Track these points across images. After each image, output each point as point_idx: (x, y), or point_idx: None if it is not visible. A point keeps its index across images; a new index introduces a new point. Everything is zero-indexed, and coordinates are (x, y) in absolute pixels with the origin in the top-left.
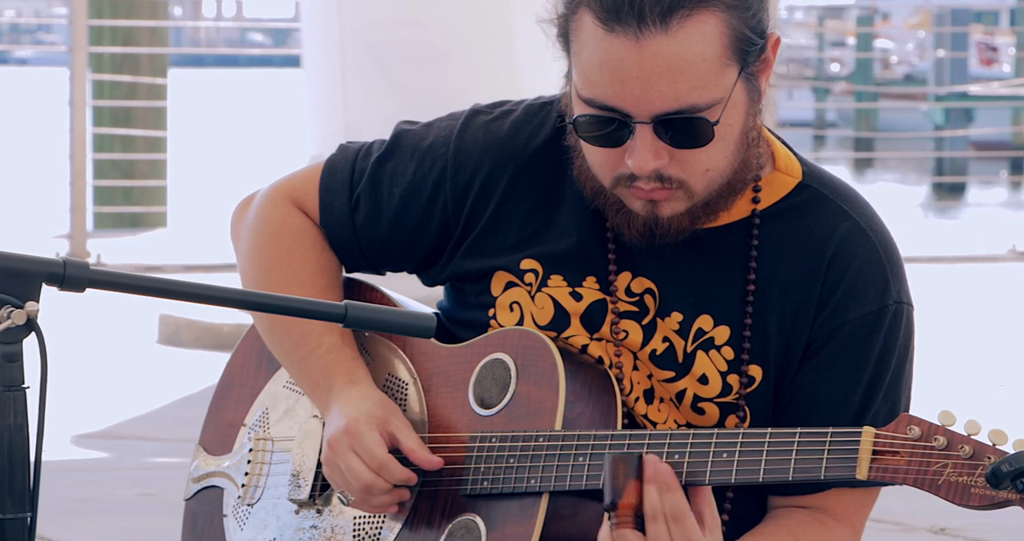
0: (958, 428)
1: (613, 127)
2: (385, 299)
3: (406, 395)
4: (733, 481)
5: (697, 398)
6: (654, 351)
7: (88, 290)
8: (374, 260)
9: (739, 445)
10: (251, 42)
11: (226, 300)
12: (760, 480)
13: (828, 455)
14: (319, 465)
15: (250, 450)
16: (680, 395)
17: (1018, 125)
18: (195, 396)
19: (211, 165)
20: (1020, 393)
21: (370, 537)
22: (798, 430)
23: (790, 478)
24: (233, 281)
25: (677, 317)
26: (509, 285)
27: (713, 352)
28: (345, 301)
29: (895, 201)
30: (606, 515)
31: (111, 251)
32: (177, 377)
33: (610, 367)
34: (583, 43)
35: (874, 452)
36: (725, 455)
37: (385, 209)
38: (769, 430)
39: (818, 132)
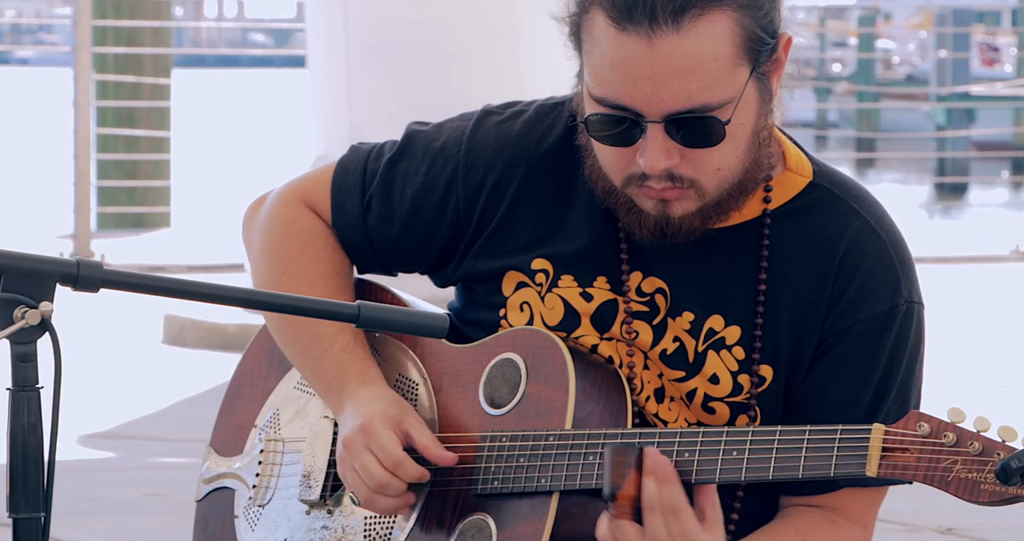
0: (967, 425)
1: (624, 126)
2: (396, 300)
3: (417, 395)
4: (743, 479)
5: (708, 398)
6: (664, 351)
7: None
8: (386, 261)
9: (749, 443)
10: (253, 42)
11: (240, 300)
12: (770, 478)
13: (838, 453)
14: (330, 465)
15: (261, 451)
16: (691, 395)
17: (1020, 125)
18: (201, 396)
19: (214, 165)
20: None
21: (381, 537)
22: (807, 428)
23: (800, 476)
24: (237, 281)
25: (688, 317)
26: (520, 285)
27: (724, 352)
28: (358, 301)
29: (897, 201)
30: (605, 506)
31: (115, 251)
32: (183, 377)
33: (620, 367)
34: (595, 42)
35: (884, 449)
36: (735, 453)
37: (397, 210)
38: (779, 428)
39: (820, 132)
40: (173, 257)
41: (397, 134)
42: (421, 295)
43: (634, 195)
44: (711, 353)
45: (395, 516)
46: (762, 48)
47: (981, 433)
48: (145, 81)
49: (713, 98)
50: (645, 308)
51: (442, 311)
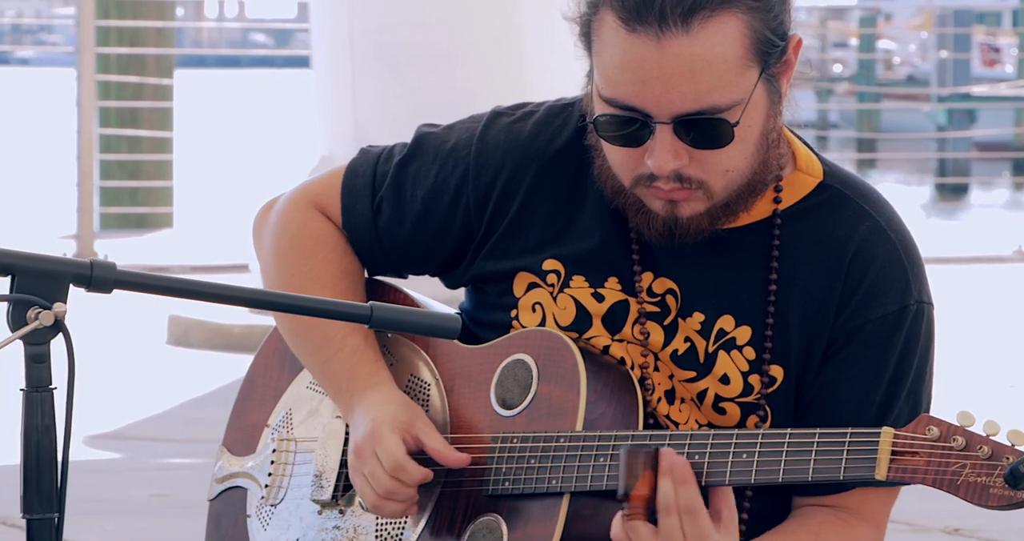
0: (977, 429)
1: (633, 127)
2: (408, 300)
3: (428, 396)
4: (753, 481)
5: (718, 398)
6: (676, 351)
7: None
8: (396, 263)
9: (759, 445)
10: (253, 43)
11: (252, 301)
12: (780, 480)
13: (847, 456)
14: (342, 465)
15: (273, 451)
16: (701, 395)
17: (1021, 126)
18: (206, 397)
19: (217, 166)
20: None
21: (392, 537)
22: (817, 430)
23: (809, 478)
24: (240, 282)
25: (699, 317)
26: (531, 286)
27: (735, 352)
28: (370, 302)
29: (897, 202)
30: (620, 506)
31: (117, 252)
32: (188, 378)
33: (632, 368)
34: (604, 43)
35: (893, 453)
36: (745, 455)
37: (408, 212)
38: (789, 430)
39: (820, 133)
40: (175, 258)
41: (402, 135)
42: (433, 296)
43: (643, 195)
44: (721, 353)
45: (407, 516)
46: (772, 50)
47: (990, 437)
48: (148, 81)
49: (722, 100)
50: (656, 308)
51: (454, 311)
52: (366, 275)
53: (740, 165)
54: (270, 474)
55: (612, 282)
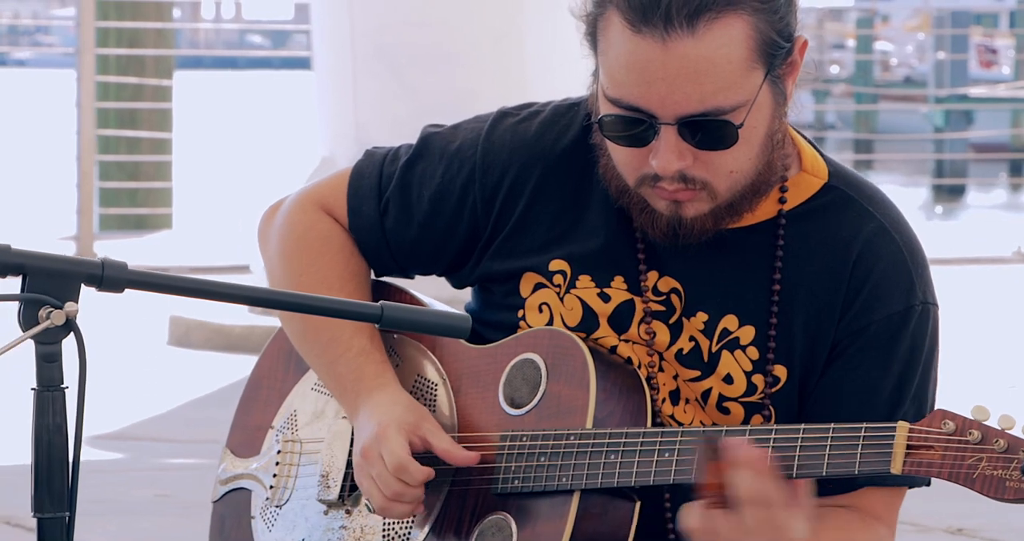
0: (992, 422)
1: (638, 127)
2: (415, 301)
3: (435, 396)
4: None
5: (722, 398)
6: (680, 350)
7: (101, 291)
8: (403, 263)
9: (772, 441)
10: (250, 44)
11: (263, 301)
12: (794, 475)
13: (862, 450)
14: (348, 466)
15: (279, 452)
16: (705, 395)
17: (1018, 127)
18: (208, 397)
19: (216, 167)
20: None
21: (400, 537)
22: (831, 426)
23: (824, 473)
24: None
25: (702, 317)
26: (538, 286)
27: (738, 352)
28: (381, 301)
29: (895, 203)
30: (699, 494)
31: (116, 253)
32: (189, 378)
33: (638, 367)
34: (610, 43)
35: (908, 447)
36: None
37: (415, 213)
38: (803, 426)
39: (817, 134)
40: (174, 259)
41: (403, 136)
42: (437, 297)
43: (647, 195)
44: (725, 353)
45: (414, 516)
46: (777, 51)
47: (1006, 431)
48: (147, 82)
49: (726, 101)
50: (662, 308)
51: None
52: (372, 276)
53: (744, 166)
54: (275, 475)
55: (618, 281)
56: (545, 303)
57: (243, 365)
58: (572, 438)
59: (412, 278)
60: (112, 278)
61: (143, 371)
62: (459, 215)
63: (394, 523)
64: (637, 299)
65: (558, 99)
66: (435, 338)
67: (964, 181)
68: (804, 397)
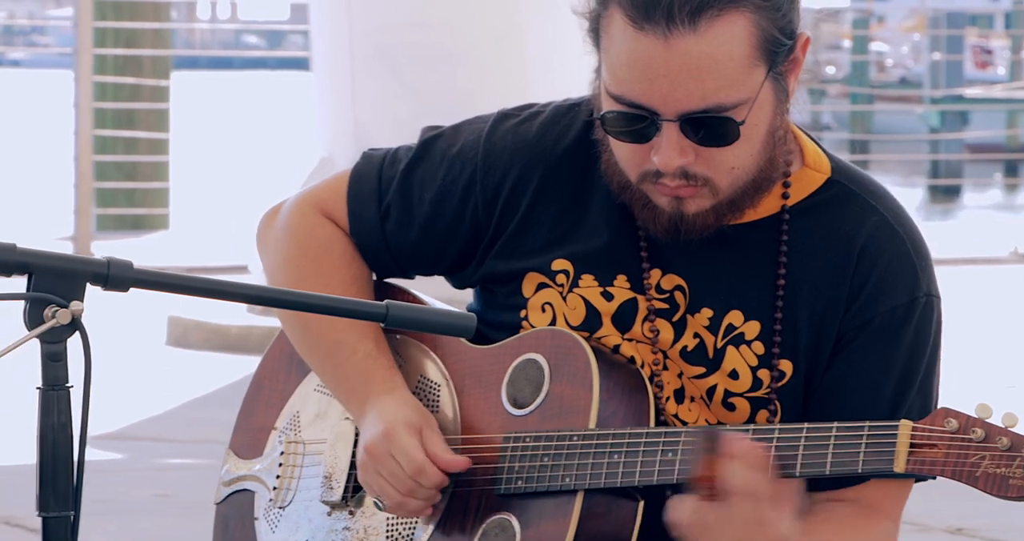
0: (995, 420)
1: (640, 124)
2: (417, 301)
3: (438, 397)
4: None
5: (728, 394)
6: (685, 348)
7: (101, 291)
8: (404, 265)
9: (775, 440)
10: (246, 44)
11: (269, 300)
12: (797, 474)
13: (866, 449)
14: (351, 467)
15: (281, 453)
16: (711, 391)
17: (1013, 128)
18: (206, 397)
19: (213, 167)
20: None
21: (403, 538)
22: (835, 424)
23: (827, 472)
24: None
25: (707, 313)
26: (541, 286)
27: (743, 347)
28: (386, 301)
29: (896, 197)
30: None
31: (113, 253)
32: (187, 378)
33: (642, 366)
34: (612, 40)
35: (911, 445)
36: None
37: (416, 215)
38: (805, 425)
39: (813, 134)
40: (171, 259)
41: (403, 136)
42: (437, 296)
43: (649, 191)
44: (730, 349)
45: (418, 516)
46: (779, 49)
47: (1009, 428)
48: (145, 83)
49: (728, 98)
50: (665, 305)
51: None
52: (374, 278)
53: (746, 163)
54: (278, 476)
55: (621, 280)
56: (548, 303)
57: (242, 365)
58: (575, 438)
59: (412, 278)
60: (118, 277)
61: (142, 371)
62: (461, 217)
63: (398, 524)
64: (640, 297)
65: (558, 100)
66: (437, 338)
67: (960, 182)
68: (809, 391)
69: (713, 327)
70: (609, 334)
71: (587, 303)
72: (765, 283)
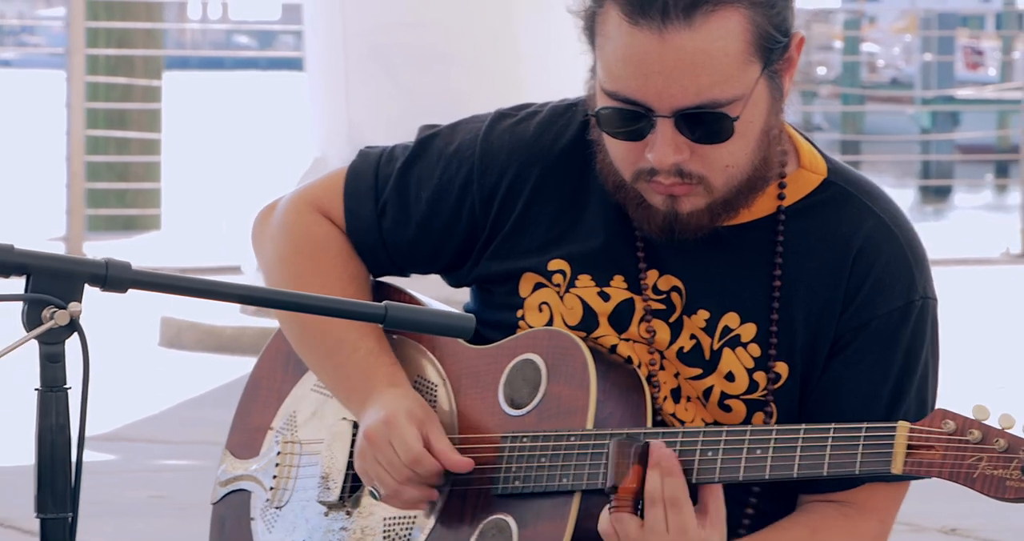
0: (992, 422)
1: (634, 120)
2: (414, 301)
3: (436, 397)
4: (768, 477)
5: (724, 395)
6: (681, 349)
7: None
8: (401, 263)
9: (773, 441)
10: (237, 44)
11: (268, 301)
12: (795, 476)
13: (863, 450)
14: (349, 467)
15: (278, 453)
16: (707, 393)
17: (1003, 129)
18: (200, 398)
19: (205, 168)
20: (1021, 395)
21: (400, 538)
22: (832, 426)
23: (824, 473)
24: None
25: (704, 315)
26: (538, 286)
27: (740, 349)
28: (385, 302)
29: (893, 199)
30: (606, 499)
31: (104, 254)
32: (181, 379)
33: (639, 366)
34: (608, 36)
35: (909, 447)
36: (759, 451)
37: (413, 213)
38: (803, 426)
39: (804, 135)
40: (163, 260)
41: (396, 136)
42: (433, 296)
43: (643, 190)
44: (727, 350)
45: (414, 517)
46: (774, 46)
47: (1006, 430)
48: (137, 83)
49: (723, 94)
50: (662, 306)
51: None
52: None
53: (741, 161)
54: (275, 476)
55: (618, 280)
56: (545, 303)
57: (235, 366)
58: (572, 439)
59: (408, 276)
60: (116, 278)
61: (135, 372)
62: (457, 216)
63: (395, 524)
64: (637, 298)
65: (555, 100)
66: (434, 338)
67: (950, 182)
68: (806, 393)
69: (709, 329)
70: (606, 334)
71: (584, 303)
72: (761, 285)
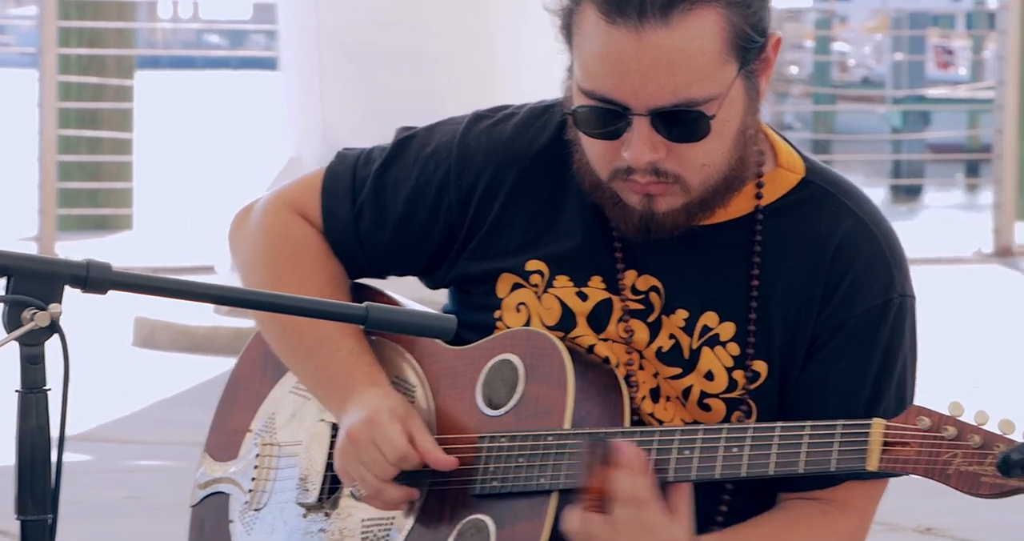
0: (967, 418)
1: (611, 119)
2: (392, 302)
3: (414, 398)
4: (744, 474)
5: (703, 394)
6: (660, 348)
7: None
8: (378, 265)
9: (749, 439)
10: (208, 44)
11: (249, 302)
12: (771, 473)
13: (839, 447)
14: (327, 468)
15: (256, 455)
16: (686, 392)
17: (974, 128)
18: (175, 398)
19: (177, 167)
20: (995, 394)
21: (379, 539)
22: (808, 423)
23: (801, 471)
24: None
25: (682, 314)
26: (516, 286)
27: (719, 348)
28: (366, 303)
29: (870, 198)
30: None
31: (76, 254)
32: (155, 379)
33: (618, 367)
34: (585, 35)
35: (884, 443)
36: (735, 450)
37: (390, 215)
38: (779, 424)
39: (782, 134)
40: (135, 260)
41: (371, 135)
42: (414, 297)
43: (619, 190)
44: (705, 350)
45: (392, 518)
46: (751, 46)
47: (981, 426)
48: (109, 82)
49: (699, 93)
50: (640, 306)
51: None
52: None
53: (717, 160)
54: (253, 479)
55: (596, 281)
56: (523, 303)
57: (209, 366)
58: (550, 438)
59: (385, 278)
60: (97, 279)
61: (109, 372)
62: (434, 217)
63: (373, 525)
64: (615, 298)
65: (533, 102)
66: (413, 340)
67: (921, 181)
68: (785, 392)
69: (688, 328)
70: (584, 334)
71: (562, 303)
72: (740, 284)
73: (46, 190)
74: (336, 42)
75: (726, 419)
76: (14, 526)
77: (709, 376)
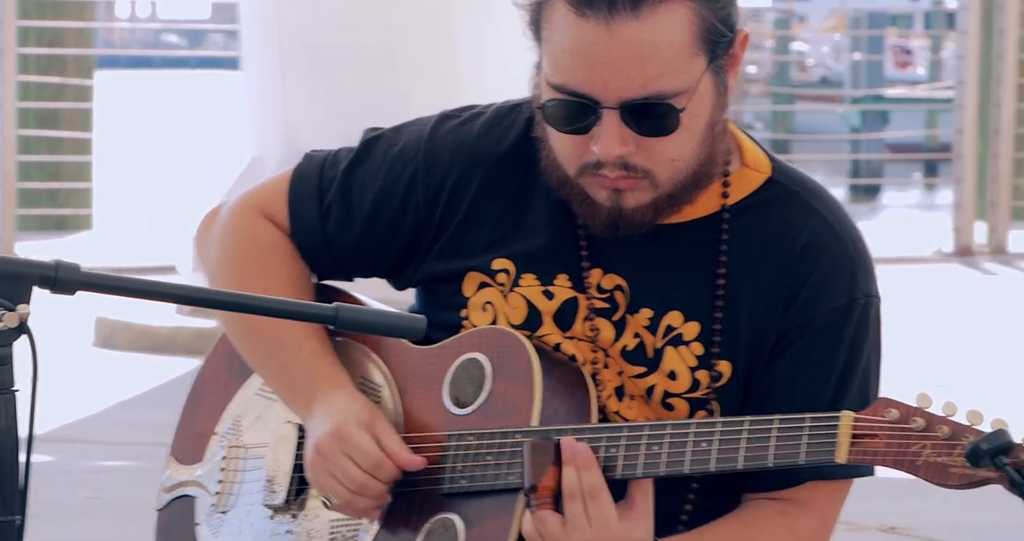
0: (935, 410)
1: (580, 113)
2: (358, 303)
3: (380, 398)
4: (714, 469)
5: (666, 394)
6: (625, 347)
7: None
8: (346, 267)
9: (718, 434)
10: (166, 43)
11: (218, 303)
12: (740, 467)
13: (808, 440)
14: (294, 470)
15: (223, 458)
16: (650, 391)
17: (932, 128)
18: (136, 399)
19: (137, 167)
20: (957, 392)
21: (347, 539)
22: (777, 417)
23: (770, 464)
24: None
25: (647, 313)
26: (482, 285)
27: (682, 348)
28: (335, 303)
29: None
30: (526, 500)
31: (36, 254)
32: (116, 380)
33: (583, 364)
34: (554, 29)
35: (853, 436)
36: (704, 444)
37: (357, 216)
38: (748, 418)
39: (748, 134)
40: (95, 260)
41: (332, 135)
42: (378, 298)
43: (587, 185)
44: (669, 349)
45: (361, 518)
46: (719, 40)
47: (949, 417)
48: (69, 82)
49: (669, 86)
50: (606, 305)
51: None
52: (315, 281)
53: (686, 155)
54: (220, 481)
55: (562, 279)
56: (489, 302)
57: (170, 366)
58: (518, 436)
59: (352, 281)
60: (65, 280)
61: (70, 373)
62: (402, 217)
63: (341, 526)
64: (581, 296)
65: (500, 101)
66: (379, 340)
67: (880, 181)
68: (749, 392)
69: (653, 327)
70: (550, 333)
71: (528, 302)
72: (705, 283)
73: (6, 190)
74: (298, 41)
75: (689, 418)
76: None
77: (672, 376)
